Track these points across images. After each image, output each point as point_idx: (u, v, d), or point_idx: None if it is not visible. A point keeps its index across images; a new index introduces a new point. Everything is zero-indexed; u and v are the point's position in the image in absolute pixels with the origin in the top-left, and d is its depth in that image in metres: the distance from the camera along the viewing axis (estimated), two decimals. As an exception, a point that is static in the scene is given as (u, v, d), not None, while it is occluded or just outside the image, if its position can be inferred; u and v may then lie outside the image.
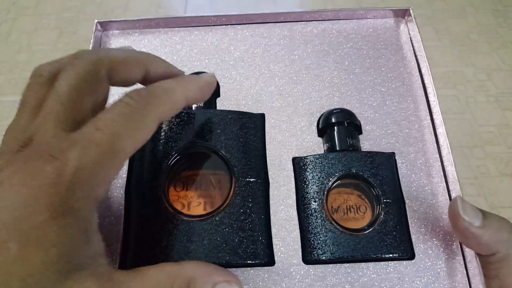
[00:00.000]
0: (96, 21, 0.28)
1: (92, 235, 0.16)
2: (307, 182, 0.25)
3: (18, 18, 0.77)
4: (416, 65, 0.28)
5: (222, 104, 0.27)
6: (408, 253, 0.23)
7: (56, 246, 0.14)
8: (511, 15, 0.75)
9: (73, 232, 0.15)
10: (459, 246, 0.23)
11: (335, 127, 0.26)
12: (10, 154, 0.16)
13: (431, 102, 0.26)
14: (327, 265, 0.23)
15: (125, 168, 0.25)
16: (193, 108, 0.26)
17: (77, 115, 0.17)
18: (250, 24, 0.29)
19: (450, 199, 0.24)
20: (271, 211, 0.24)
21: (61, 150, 0.15)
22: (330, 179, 0.24)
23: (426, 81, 0.27)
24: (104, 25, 0.29)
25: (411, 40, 0.29)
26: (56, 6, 0.78)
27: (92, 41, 0.28)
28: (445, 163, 0.25)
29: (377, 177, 0.24)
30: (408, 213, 0.24)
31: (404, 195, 0.24)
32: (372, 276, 0.22)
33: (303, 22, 0.29)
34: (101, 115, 0.17)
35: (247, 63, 0.28)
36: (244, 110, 0.27)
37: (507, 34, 0.71)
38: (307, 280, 0.22)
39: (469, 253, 0.22)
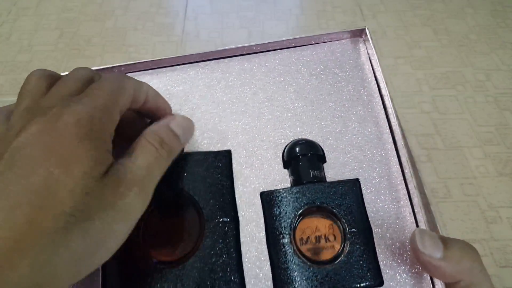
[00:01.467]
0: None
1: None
2: (274, 217, 0.25)
3: (19, 19, 0.77)
4: (376, 86, 0.28)
5: (189, 144, 0.28)
6: (376, 281, 0.23)
7: (91, 158, 0.18)
8: (510, 16, 0.74)
9: (100, 150, 0.19)
10: None
11: (298, 160, 0.26)
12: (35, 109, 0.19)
13: (392, 124, 0.27)
14: None
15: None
16: None
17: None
18: (209, 61, 0.30)
19: (416, 222, 0.24)
20: (242, 249, 0.25)
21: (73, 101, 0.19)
22: (296, 213, 0.25)
23: (386, 103, 0.27)
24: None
25: (370, 61, 0.29)
26: (57, 6, 0.79)
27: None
28: (409, 186, 0.25)
29: (342, 207, 0.25)
30: (375, 240, 0.24)
31: (371, 221, 0.25)
32: None
33: (261, 54, 0.30)
34: (94, 85, 0.20)
35: (210, 100, 0.29)
36: (211, 149, 0.28)
37: (506, 34, 0.71)
38: None
39: (436, 276, 0.23)
